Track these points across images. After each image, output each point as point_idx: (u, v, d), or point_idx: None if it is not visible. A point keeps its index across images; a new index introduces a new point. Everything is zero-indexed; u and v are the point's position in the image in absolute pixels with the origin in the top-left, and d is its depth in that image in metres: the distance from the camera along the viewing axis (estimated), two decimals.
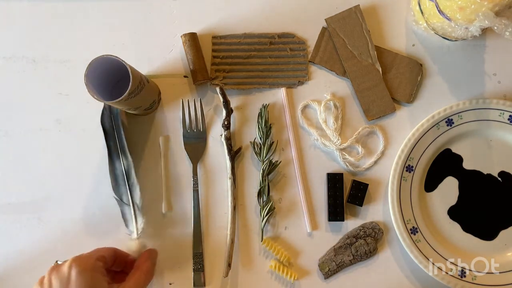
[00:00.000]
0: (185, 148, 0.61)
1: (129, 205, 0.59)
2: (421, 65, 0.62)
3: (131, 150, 0.60)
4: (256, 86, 0.62)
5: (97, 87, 0.52)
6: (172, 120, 0.62)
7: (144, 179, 0.61)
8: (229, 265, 0.59)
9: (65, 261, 0.50)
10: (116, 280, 0.53)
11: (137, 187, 0.59)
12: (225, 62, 0.62)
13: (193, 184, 0.60)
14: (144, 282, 0.53)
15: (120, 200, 0.59)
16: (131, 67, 0.51)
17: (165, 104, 0.62)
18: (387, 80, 0.62)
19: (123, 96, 0.50)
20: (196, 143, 0.62)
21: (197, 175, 0.61)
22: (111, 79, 0.56)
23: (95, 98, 0.50)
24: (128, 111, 0.60)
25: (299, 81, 0.62)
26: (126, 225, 0.59)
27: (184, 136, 0.62)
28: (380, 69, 0.61)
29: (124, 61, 0.50)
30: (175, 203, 0.61)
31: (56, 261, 0.52)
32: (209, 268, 0.60)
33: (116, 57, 0.50)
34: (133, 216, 0.59)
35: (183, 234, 0.61)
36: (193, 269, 0.60)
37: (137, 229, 0.59)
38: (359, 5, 0.62)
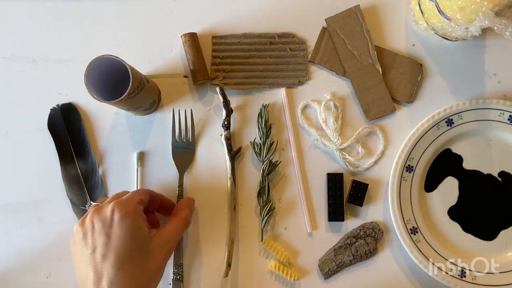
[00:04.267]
0: (173, 157, 0.61)
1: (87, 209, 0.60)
2: (421, 65, 0.62)
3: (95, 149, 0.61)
4: (256, 86, 0.62)
5: (97, 87, 0.52)
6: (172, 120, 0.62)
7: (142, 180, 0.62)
8: (229, 265, 0.58)
9: (105, 202, 0.49)
10: (150, 222, 0.52)
11: (102, 188, 0.60)
12: (225, 62, 0.62)
13: (178, 194, 0.60)
14: (180, 229, 0.53)
15: (75, 205, 0.60)
16: (131, 67, 0.51)
17: (165, 104, 0.62)
18: (387, 80, 0.62)
19: (123, 96, 0.50)
20: (184, 153, 0.61)
21: (182, 185, 0.60)
22: (111, 79, 0.56)
23: (95, 98, 0.50)
24: (128, 111, 0.60)
25: (299, 81, 0.62)
26: None
27: (172, 145, 0.61)
28: (380, 69, 0.61)
29: (124, 61, 0.50)
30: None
31: (98, 201, 0.52)
32: (209, 268, 0.60)
33: (116, 57, 0.50)
34: None
35: None
36: (173, 279, 0.59)
37: None
38: (359, 5, 0.62)
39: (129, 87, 0.50)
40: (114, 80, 0.57)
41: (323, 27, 0.63)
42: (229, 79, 0.62)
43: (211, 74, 0.62)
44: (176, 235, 0.52)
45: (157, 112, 0.62)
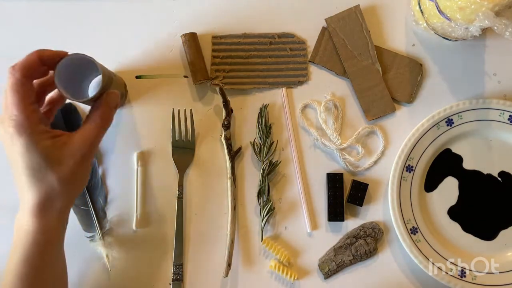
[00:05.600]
0: (173, 157, 0.61)
1: (88, 209, 0.60)
2: (421, 65, 0.62)
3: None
4: (256, 86, 0.62)
5: (67, 87, 0.50)
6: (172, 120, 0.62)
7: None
8: (229, 265, 0.59)
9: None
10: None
11: (102, 188, 0.60)
12: (225, 62, 0.62)
13: (178, 194, 0.60)
14: (95, 131, 0.48)
15: (75, 205, 0.60)
16: (99, 64, 0.50)
17: (165, 104, 0.62)
18: (387, 80, 0.62)
19: (96, 93, 0.49)
20: (184, 153, 0.61)
21: (182, 185, 0.60)
22: (80, 77, 0.55)
23: (70, 99, 0.49)
24: None
25: (299, 81, 0.62)
26: (84, 229, 0.60)
27: (172, 145, 0.61)
28: (380, 69, 0.61)
29: (92, 58, 0.49)
30: (160, 212, 0.61)
31: None
32: (209, 268, 0.60)
33: (85, 55, 0.49)
34: (95, 220, 0.60)
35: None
36: (173, 279, 0.59)
37: (100, 231, 0.60)
38: (359, 5, 0.62)
39: (101, 84, 0.49)
40: (81, 78, 0.56)
41: (323, 27, 0.63)
42: (229, 79, 0.62)
43: (211, 74, 0.62)
44: (89, 139, 0.48)
45: (157, 112, 0.62)
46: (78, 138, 0.47)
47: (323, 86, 0.63)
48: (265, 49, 0.62)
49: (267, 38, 0.62)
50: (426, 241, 0.59)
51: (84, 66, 0.51)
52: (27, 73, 0.45)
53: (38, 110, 0.46)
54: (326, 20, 0.62)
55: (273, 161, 0.61)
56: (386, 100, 0.62)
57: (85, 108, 0.62)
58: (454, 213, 0.61)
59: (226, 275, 0.59)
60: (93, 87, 0.58)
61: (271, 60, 0.62)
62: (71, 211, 0.60)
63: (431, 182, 0.61)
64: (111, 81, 0.53)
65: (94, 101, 0.51)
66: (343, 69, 0.62)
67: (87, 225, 0.60)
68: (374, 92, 0.61)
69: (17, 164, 0.45)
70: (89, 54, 0.52)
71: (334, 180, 0.60)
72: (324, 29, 0.63)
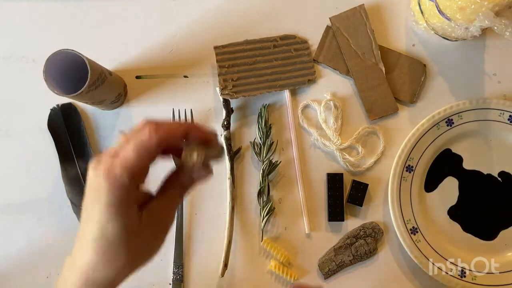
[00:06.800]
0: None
1: None
2: (424, 65, 0.62)
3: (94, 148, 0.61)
4: (267, 91, 0.61)
5: (59, 82, 0.52)
6: (172, 120, 0.62)
7: None
8: (225, 265, 0.59)
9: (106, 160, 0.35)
10: None
11: None
12: (231, 71, 0.61)
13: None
14: (175, 203, 0.41)
15: (75, 205, 0.60)
16: (89, 60, 0.51)
17: (165, 104, 0.62)
18: (390, 80, 0.62)
19: (83, 88, 0.50)
20: None
21: None
22: (74, 74, 0.55)
23: (55, 93, 0.51)
24: (93, 105, 0.60)
25: (308, 80, 0.62)
26: None
27: None
28: (383, 69, 0.61)
29: (81, 54, 0.50)
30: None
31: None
32: (209, 268, 0.60)
33: (73, 50, 0.50)
34: None
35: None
36: (173, 279, 0.60)
37: None
38: (363, 4, 0.62)
39: (88, 79, 0.50)
40: (77, 76, 0.55)
41: (327, 25, 0.63)
42: (239, 87, 0.61)
43: (220, 84, 0.61)
44: (168, 211, 0.40)
45: (157, 112, 0.62)
46: (157, 211, 0.39)
47: (325, 86, 0.62)
48: (270, 52, 0.62)
49: (270, 42, 0.62)
50: (426, 241, 0.59)
51: (77, 63, 0.51)
52: (163, 143, 0.36)
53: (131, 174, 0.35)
54: (330, 19, 0.62)
55: (273, 161, 0.61)
56: (389, 100, 0.61)
57: (85, 108, 0.62)
58: (454, 213, 0.61)
59: (223, 275, 0.59)
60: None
61: (277, 63, 0.62)
62: (71, 212, 0.61)
63: (431, 182, 0.61)
64: (103, 78, 0.53)
65: (84, 97, 0.51)
66: (347, 68, 0.62)
67: None
68: (377, 91, 0.61)
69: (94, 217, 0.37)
70: (89, 54, 0.52)
71: (334, 180, 0.60)
72: (328, 28, 0.62)
